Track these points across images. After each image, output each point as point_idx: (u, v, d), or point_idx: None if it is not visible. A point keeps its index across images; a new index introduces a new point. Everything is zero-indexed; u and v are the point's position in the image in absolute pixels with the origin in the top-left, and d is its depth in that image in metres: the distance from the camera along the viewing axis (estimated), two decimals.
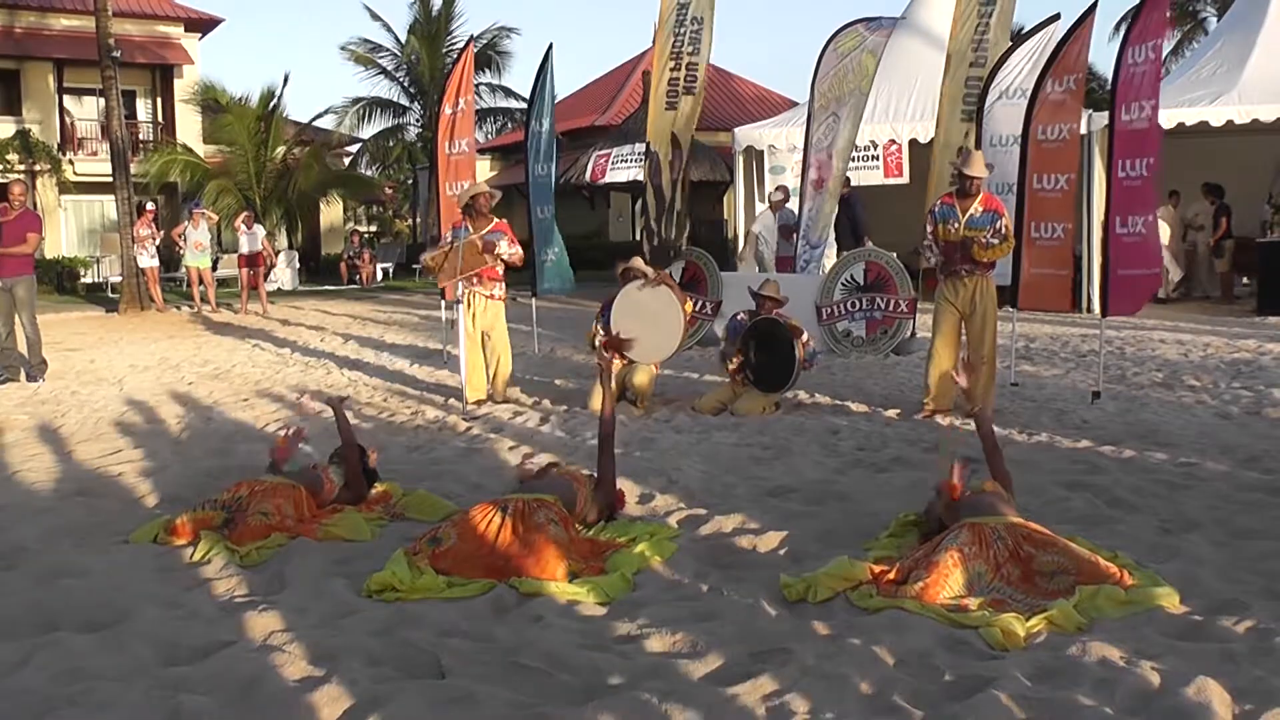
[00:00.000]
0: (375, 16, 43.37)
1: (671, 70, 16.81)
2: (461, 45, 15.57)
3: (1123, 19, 39.59)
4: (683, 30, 16.72)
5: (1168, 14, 10.62)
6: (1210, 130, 18.56)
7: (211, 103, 36.50)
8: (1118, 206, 10.44)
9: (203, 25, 39.21)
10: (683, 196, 16.62)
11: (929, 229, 10.30)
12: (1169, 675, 4.16)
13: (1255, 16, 20.87)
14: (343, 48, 43.62)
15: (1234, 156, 20.83)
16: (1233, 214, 20.91)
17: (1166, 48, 10.28)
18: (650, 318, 10.62)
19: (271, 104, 36.55)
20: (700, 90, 16.57)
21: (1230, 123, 18.82)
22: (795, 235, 17.22)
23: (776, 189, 20.74)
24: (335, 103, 61.56)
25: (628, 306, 10.70)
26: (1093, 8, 11.73)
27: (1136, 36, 10.21)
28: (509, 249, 10.98)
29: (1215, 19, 35.63)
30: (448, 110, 14.61)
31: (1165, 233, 18.42)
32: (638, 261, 11.22)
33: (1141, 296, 10.95)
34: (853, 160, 20.24)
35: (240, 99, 36.59)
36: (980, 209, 9.95)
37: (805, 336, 10.50)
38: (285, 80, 37.06)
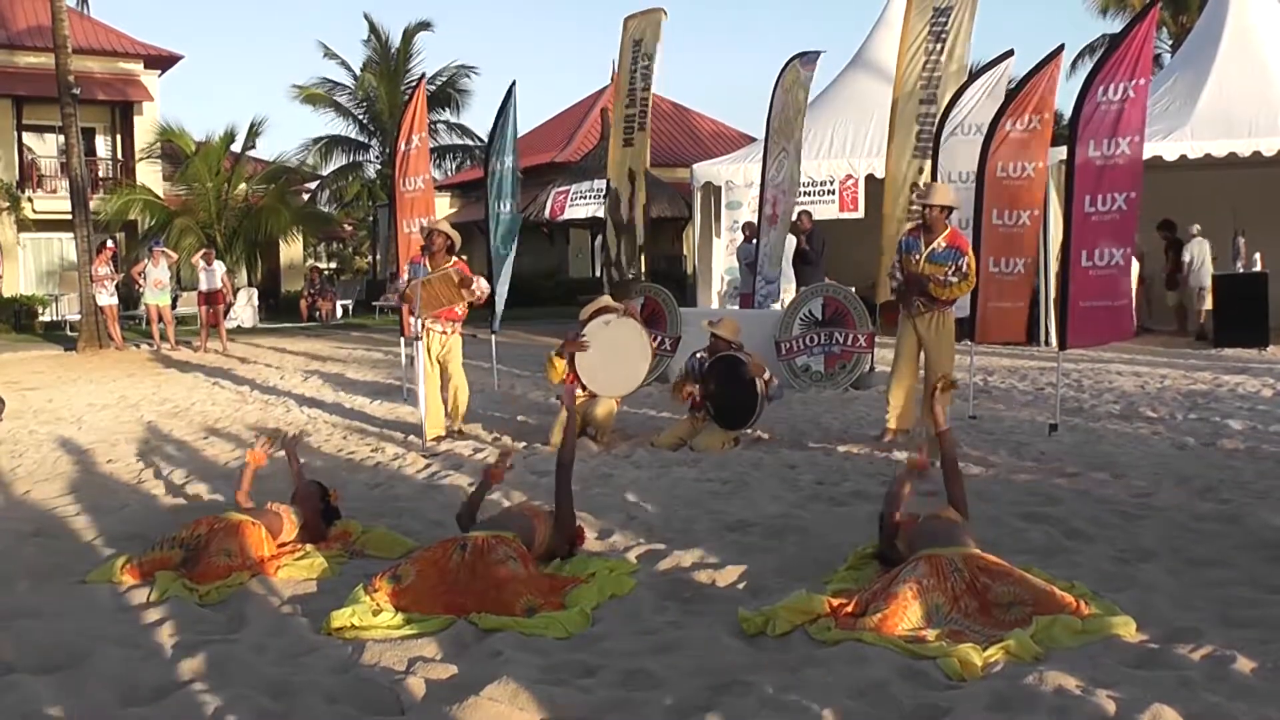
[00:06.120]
0: (330, 54, 42.86)
1: (628, 107, 16.96)
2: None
3: (1079, 56, 40.00)
4: (636, 67, 16.89)
5: (1151, 55, 10.70)
6: (1163, 165, 18.74)
7: (172, 147, 36.37)
8: (1081, 239, 10.49)
9: (162, 62, 39.03)
10: (643, 231, 16.74)
11: (895, 259, 10.43)
12: (1124, 703, 4.19)
13: (1207, 52, 21.17)
14: (297, 86, 43.21)
15: (1187, 191, 21.02)
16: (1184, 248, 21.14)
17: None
18: (615, 352, 10.65)
19: (235, 144, 36.51)
20: (648, 123, 16.73)
21: (1183, 157, 19.05)
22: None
23: (745, 225, 20.95)
24: (296, 139, 61.61)
25: (594, 340, 10.72)
26: (1059, 50, 11.85)
27: (1107, 75, 10.27)
28: (482, 286, 11.04)
29: (1169, 54, 35.97)
30: (403, 147, 14.63)
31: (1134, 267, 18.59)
32: (607, 300, 11.28)
33: (1115, 330, 10.95)
34: (808, 194, 20.49)
35: (203, 140, 36.49)
36: (944, 244, 10.05)
37: (768, 374, 10.53)
38: (253, 127, 36.80)
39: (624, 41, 17.29)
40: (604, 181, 18.23)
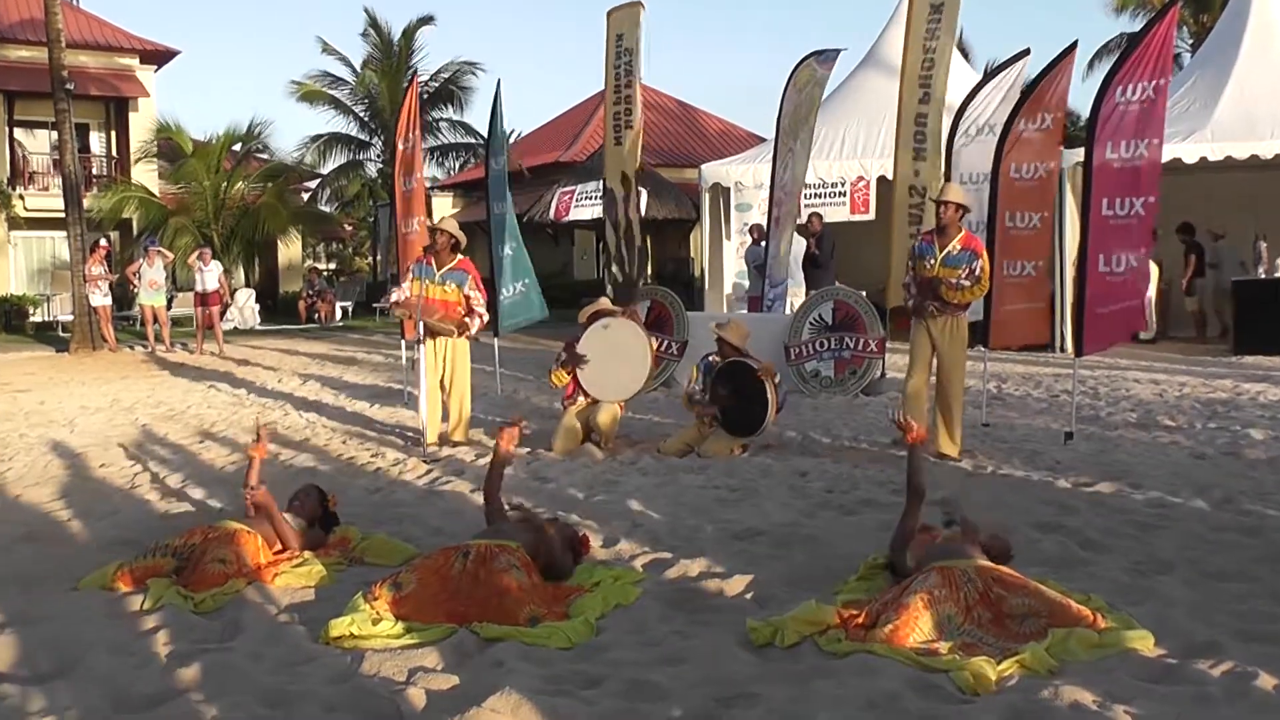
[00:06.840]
0: (329, 49, 42.75)
1: (615, 105, 16.89)
2: (422, 80, 15.57)
3: (1095, 56, 39.90)
4: (620, 64, 16.82)
5: (1172, 54, 10.56)
6: (1184, 167, 18.58)
7: (170, 145, 36.32)
8: (1099, 244, 10.34)
9: (158, 57, 38.85)
10: (639, 232, 16.67)
11: (910, 264, 10.30)
12: (1142, 719, 4.13)
13: (1228, 53, 21.04)
14: (295, 82, 43.10)
15: (1207, 194, 20.92)
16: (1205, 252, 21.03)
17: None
18: (616, 356, 10.55)
19: (236, 145, 36.40)
20: (638, 122, 16.63)
21: (1204, 160, 18.93)
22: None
23: (752, 227, 20.87)
24: (295, 136, 61.53)
25: (594, 344, 10.62)
26: (1072, 46, 11.69)
27: (1126, 75, 10.13)
28: (477, 312, 10.98)
29: (1189, 54, 35.85)
30: (401, 145, 14.58)
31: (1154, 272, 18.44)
32: (605, 302, 11.18)
33: (1126, 328, 10.88)
34: (819, 196, 20.42)
35: (203, 139, 36.45)
36: (958, 247, 9.92)
37: (778, 379, 10.39)
38: (254, 130, 36.94)
39: (608, 37, 17.21)
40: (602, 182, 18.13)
